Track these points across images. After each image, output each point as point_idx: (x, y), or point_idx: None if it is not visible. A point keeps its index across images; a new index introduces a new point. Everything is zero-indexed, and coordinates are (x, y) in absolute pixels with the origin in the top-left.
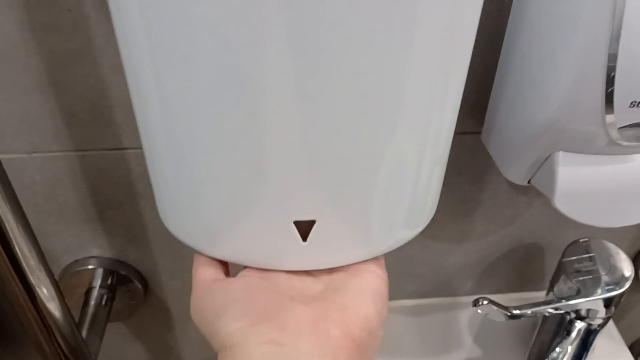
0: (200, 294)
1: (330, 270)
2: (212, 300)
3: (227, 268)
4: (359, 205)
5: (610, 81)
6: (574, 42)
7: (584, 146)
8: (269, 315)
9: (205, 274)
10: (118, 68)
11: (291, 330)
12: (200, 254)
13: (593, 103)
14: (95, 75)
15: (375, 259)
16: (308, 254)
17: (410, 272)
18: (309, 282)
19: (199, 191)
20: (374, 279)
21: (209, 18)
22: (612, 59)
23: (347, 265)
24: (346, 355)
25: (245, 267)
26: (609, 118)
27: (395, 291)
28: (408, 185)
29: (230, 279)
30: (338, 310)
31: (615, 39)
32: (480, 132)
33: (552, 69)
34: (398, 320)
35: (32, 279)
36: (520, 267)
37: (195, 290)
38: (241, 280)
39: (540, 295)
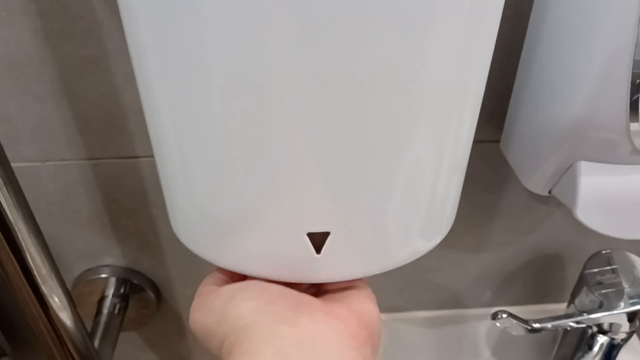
0: (205, 293)
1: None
2: (220, 294)
3: None
4: (376, 216)
5: (635, 88)
6: (597, 48)
7: (607, 155)
8: (283, 298)
9: (210, 282)
10: (131, 75)
11: (306, 312)
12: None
13: (617, 111)
14: (108, 82)
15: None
16: (321, 266)
17: (426, 282)
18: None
19: (210, 201)
20: (367, 290)
21: (218, 25)
22: (638, 65)
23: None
24: (361, 343)
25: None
26: (634, 126)
27: (410, 302)
28: (425, 195)
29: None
30: (347, 304)
31: None
32: (498, 141)
33: (574, 76)
34: (413, 332)
35: (44, 289)
36: (540, 278)
37: (198, 294)
38: (248, 280)
39: (560, 307)
